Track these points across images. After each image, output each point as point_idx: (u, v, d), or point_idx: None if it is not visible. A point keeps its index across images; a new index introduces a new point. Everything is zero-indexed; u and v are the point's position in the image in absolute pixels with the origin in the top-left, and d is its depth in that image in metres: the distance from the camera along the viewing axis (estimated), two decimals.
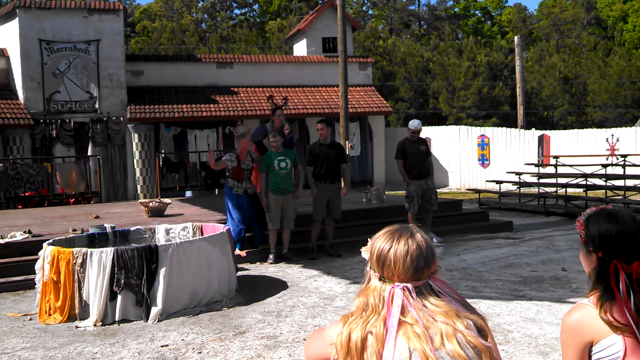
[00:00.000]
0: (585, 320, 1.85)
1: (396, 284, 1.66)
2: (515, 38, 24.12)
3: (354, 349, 1.63)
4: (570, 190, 14.12)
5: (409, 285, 1.65)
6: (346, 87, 17.18)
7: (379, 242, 1.73)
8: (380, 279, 1.70)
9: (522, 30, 44.61)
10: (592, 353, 1.85)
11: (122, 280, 5.63)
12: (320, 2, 37.85)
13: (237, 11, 49.11)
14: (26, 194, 14.38)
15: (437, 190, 20.26)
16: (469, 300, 1.74)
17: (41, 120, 16.74)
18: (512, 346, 4.62)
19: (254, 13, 49.79)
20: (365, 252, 1.79)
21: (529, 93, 31.13)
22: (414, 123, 9.41)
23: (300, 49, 22.93)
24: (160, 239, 7.25)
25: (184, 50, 36.32)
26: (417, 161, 9.33)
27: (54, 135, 16.90)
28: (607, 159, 16.12)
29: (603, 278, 1.86)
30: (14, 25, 16.94)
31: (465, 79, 30.94)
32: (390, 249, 1.68)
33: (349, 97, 17.66)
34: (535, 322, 5.20)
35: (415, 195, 9.29)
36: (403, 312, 1.63)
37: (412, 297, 1.64)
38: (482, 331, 1.66)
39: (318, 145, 8.68)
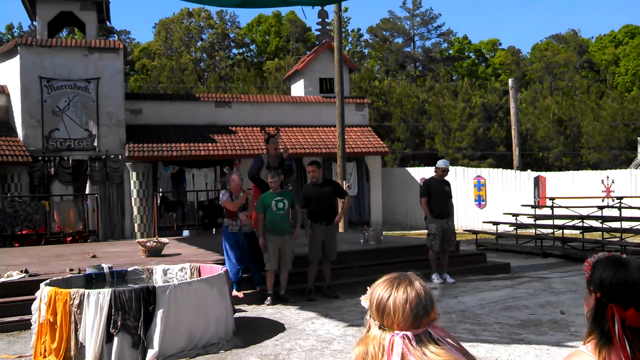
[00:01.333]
0: None
1: (396, 332, 1.68)
2: (510, 80, 24.50)
3: None
4: (567, 232, 14.15)
5: (409, 334, 1.67)
6: (343, 127, 17.37)
7: (378, 290, 1.75)
8: (380, 328, 1.71)
9: (516, 72, 45.30)
10: None
11: (119, 322, 5.59)
12: (317, 43, 38.46)
13: (235, 51, 49.83)
14: (23, 232, 14.33)
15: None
16: (467, 344, 1.77)
17: (40, 158, 16.80)
18: None
19: (252, 53, 50.53)
20: (365, 301, 1.81)
21: (524, 134, 31.44)
22: (445, 162, 9.87)
23: (297, 89, 23.23)
24: (158, 279, 7.21)
25: (182, 89, 36.71)
26: (441, 201, 9.62)
27: (52, 173, 16.94)
28: (602, 200, 16.20)
29: (599, 320, 1.88)
30: (14, 63, 17.15)
31: (461, 120, 31.27)
32: (389, 297, 1.70)
33: (345, 137, 17.83)
34: None
35: (437, 233, 9.50)
36: None
37: (412, 345, 1.66)
38: None
39: (311, 186, 8.76)
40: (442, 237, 9.52)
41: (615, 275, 1.88)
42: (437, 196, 9.58)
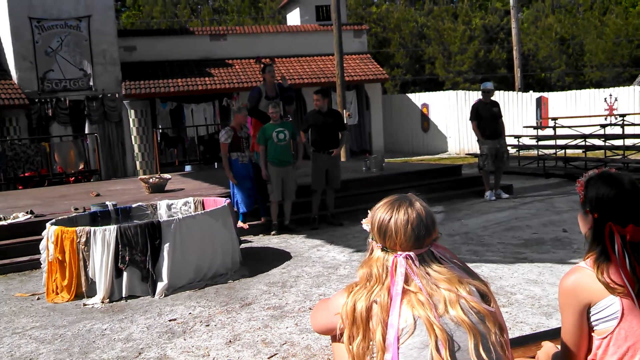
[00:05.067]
0: (582, 282, 1.87)
1: (399, 253, 1.68)
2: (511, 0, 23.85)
3: (359, 318, 1.65)
4: (569, 152, 14.13)
5: (412, 254, 1.67)
6: (341, 55, 17.07)
7: (379, 213, 1.74)
8: (382, 250, 1.72)
9: None
10: (590, 314, 1.87)
11: (127, 257, 5.67)
12: None
13: None
14: (26, 174, 14.39)
15: (437, 155, 20.26)
16: (471, 265, 1.77)
17: (36, 100, 16.65)
18: (515, 308, 4.68)
19: None
20: (366, 224, 1.80)
21: (526, 55, 30.90)
22: (487, 84, 10.19)
23: (293, 18, 22.70)
24: (163, 214, 7.26)
25: (176, 24, 35.92)
26: (491, 122, 9.96)
27: (50, 115, 16.84)
28: (605, 119, 16.09)
29: (599, 239, 1.89)
30: (2, 4, 16.70)
31: (461, 43, 30.68)
32: (390, 219, 1.70)
33: (344, 65, 17.55)
34: (537, 284, 5.26)
35: (489, 153, 9.88)
36: (407, 280, 1.65)
37: (415, 265, 1.67)
38: (485, 296, 1.69)
39: (314, 113, 8.65)
40: (495, 156, 9.93)
41: (609, 195, 1.87)
42: (487, 118, 9.92)
